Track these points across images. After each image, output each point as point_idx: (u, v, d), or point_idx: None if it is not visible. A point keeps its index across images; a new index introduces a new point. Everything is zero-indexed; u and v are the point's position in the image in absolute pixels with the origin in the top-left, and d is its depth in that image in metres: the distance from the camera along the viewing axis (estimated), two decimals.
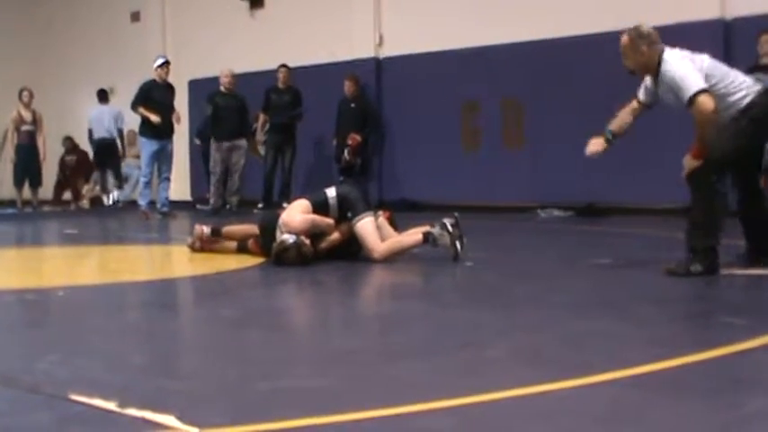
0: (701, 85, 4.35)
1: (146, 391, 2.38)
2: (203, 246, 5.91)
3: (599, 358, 2.70)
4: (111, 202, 13.71)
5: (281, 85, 11.50)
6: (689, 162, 4.48)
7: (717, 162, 4.45)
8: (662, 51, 4.56)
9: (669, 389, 2.35)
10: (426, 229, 5.38)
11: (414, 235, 5.44)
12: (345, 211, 5.40)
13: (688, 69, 4.42)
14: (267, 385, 2.43)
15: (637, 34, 4.61)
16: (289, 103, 11.36)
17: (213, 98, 11.17)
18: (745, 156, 4.62)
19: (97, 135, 13.20)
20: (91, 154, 13.79)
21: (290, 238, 5.15)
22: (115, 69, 14.23)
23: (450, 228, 5.28)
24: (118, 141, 13.19)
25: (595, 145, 4.85)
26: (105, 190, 13.73)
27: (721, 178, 4.54)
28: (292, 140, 11.43)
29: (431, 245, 5.32)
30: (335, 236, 5.38)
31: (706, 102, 4.32)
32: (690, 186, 4.52)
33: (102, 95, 13.48)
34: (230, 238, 5.93)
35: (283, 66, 11.50)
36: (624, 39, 4.66)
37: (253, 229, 5.87)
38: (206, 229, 5.90)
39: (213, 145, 11.12)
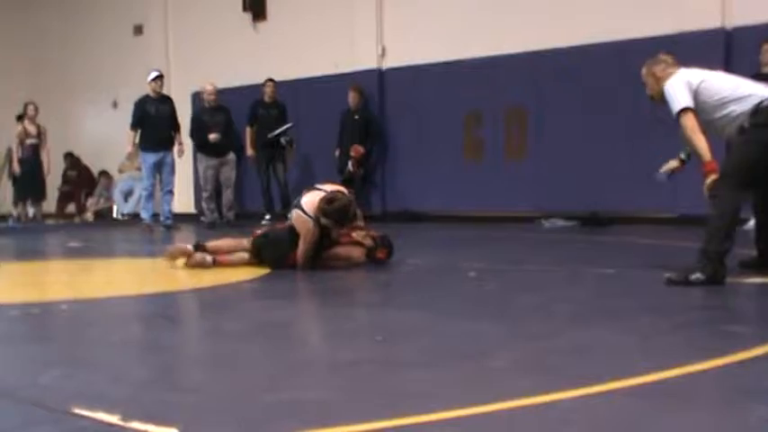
0: (686, 103, 4.67)
1: (149, 404, 2.39)
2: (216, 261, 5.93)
3: (603, 368, 2.70)
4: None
5: (267, 99, 11.47)
6: (708, 180, 4.60)
7: (730, 173, 4.48)
8: (670, 75, 4.81)
9: (674, 398, 2.34)
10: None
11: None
12: None
13: (678, 87, 4.72)
14: (270, 397, 2.43)
15: (653, 61, 4.96)
16: (276, 118, 11.33)
17: (199, 115, 11.08)
18: (760, 162, 4.60)
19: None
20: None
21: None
22: (118, 83, 14.29)
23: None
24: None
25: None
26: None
27: (743, 189, 4.56)
28: (282, 154, 11.38)
29: None
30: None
31: (685, 120, 4.67)
32: (709, 197, 4.60)
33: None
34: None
35: (270, 80, 11.49)
36: (643, 69, 4.99)
37: (240, 242, 5.91)
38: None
39: (202, 162, 11.03)
